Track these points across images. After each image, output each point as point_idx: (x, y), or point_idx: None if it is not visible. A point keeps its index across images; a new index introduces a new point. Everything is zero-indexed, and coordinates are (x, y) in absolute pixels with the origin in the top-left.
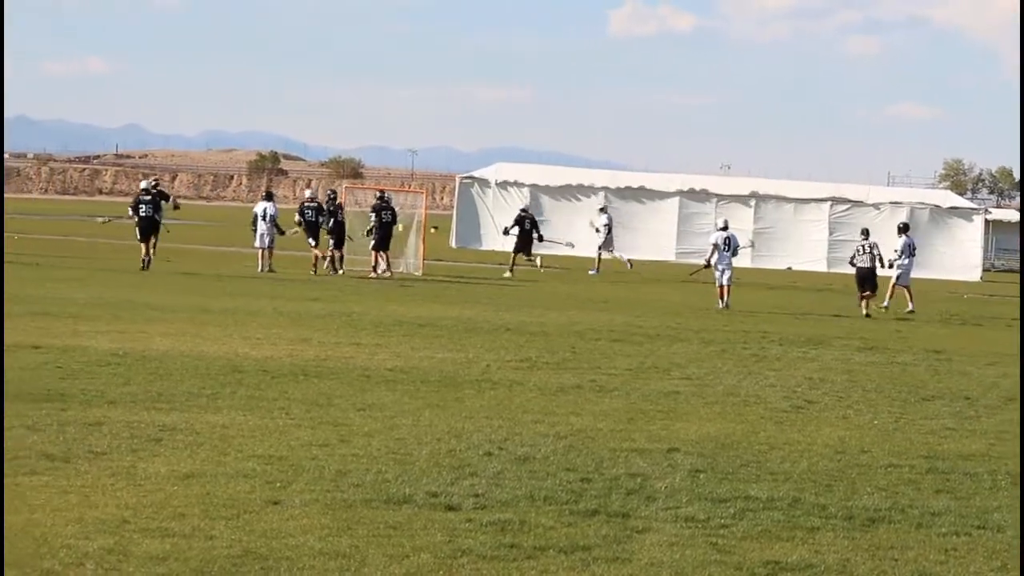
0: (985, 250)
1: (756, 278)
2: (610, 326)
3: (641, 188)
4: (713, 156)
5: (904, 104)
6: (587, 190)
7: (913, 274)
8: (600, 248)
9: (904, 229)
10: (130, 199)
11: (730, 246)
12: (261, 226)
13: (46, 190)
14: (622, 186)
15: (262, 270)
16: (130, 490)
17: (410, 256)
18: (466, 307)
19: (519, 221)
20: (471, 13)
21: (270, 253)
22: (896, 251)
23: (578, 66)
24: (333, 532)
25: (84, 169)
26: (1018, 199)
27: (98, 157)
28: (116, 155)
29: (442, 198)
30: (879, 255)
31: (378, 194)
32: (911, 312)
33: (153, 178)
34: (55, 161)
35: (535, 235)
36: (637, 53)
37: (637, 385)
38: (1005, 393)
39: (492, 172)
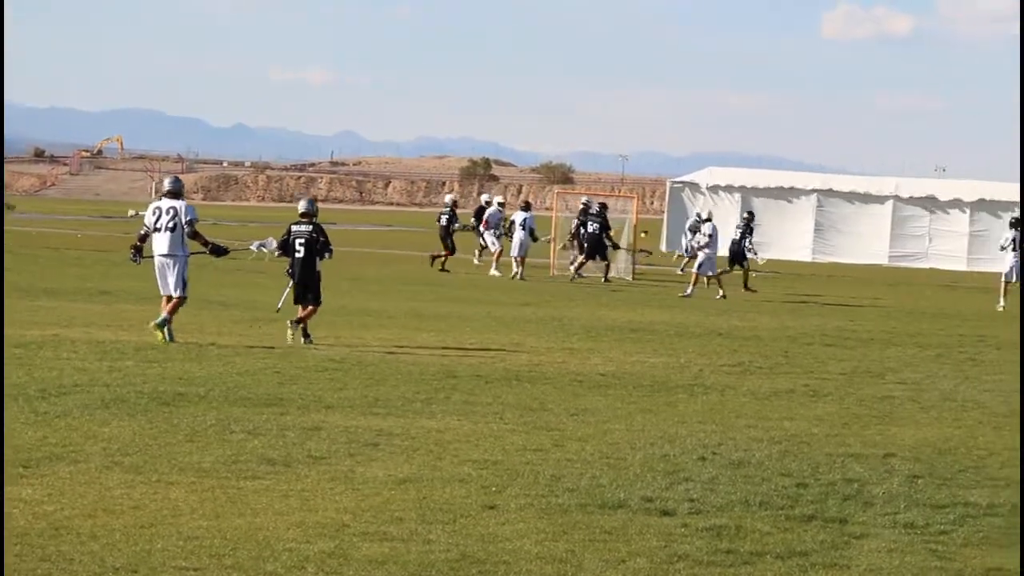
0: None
1: (973, 282)
2: (823, 330)
3: (853, 192)
4: (930, 159)
5: None
6: (799, 193)
7: None
8: None
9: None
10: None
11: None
12: (519, 234)
13: (263, 198)
14: (834, 189)
15: (515, 276)
16: (349, 494)
17: (621, 261)
18: (677, 311)
19: None
20: (681, 16)
21: (522, 261)
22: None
23: (791, 69)
24: (549, 536)
25: (300, 177)
26: None
27: (313, 165)
28: (331, 163)
29: (652, 202)
30: None
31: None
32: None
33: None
34: (272, 169)
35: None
36: (851, 56)
37: (851, 390)
38: None
39: (703, 176)
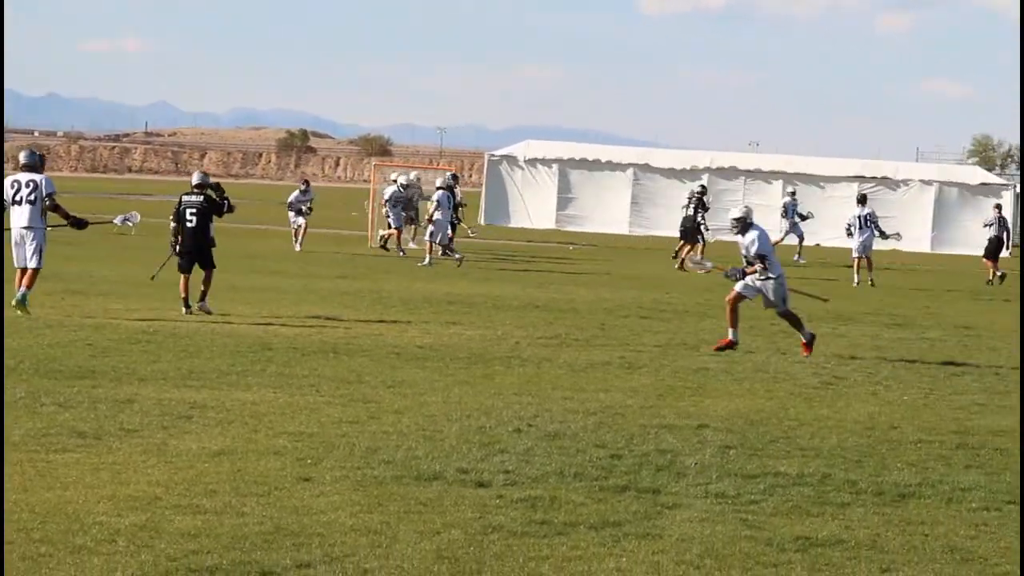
0: (1014, 226)
1: (784, 254)
2: (639, 303)
3: (669, 166)
4: (743, 133)
5: (935, 81)
6: (615, 167)
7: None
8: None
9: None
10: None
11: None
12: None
13: (76, 168)
14: (650, 163)
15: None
16: (161, 467)
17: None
18: (495, 284)
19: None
20: None
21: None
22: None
23: (608, 43)
24: (364, 509)
25: (114, 147)
26: None
27: (127, 135)
28: (146, 133)
29: (471, 175)
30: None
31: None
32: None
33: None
34: (85, 139)
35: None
36: (668, 31)
37: (666, 362)
38: None
39: (521, 149)
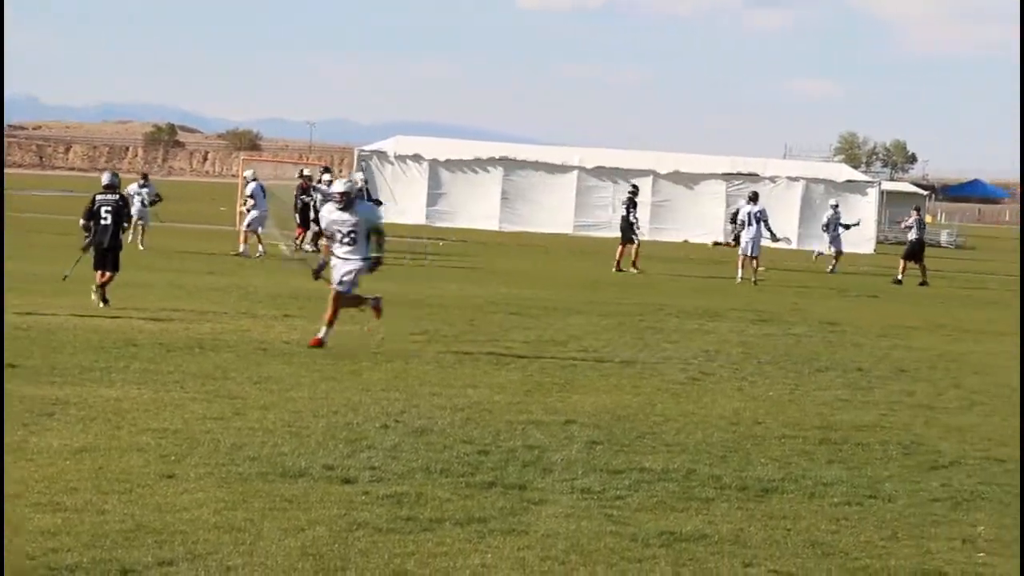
0: (879, 223)
1: (653, 251)
2: (508, 299)
3: (540, 162)
4: (616, 129)
5: (803, 78)
6: (486, 163)
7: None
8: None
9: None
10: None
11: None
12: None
13: None
14: (521, 159)
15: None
16: (21, 465)
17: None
18: (365, 281)
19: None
20: None
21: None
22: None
23: (485, 38)
24: (228, 506)
25: None
26: (911, 172)
27: None
28: (9, 126)
29: (340, 171)
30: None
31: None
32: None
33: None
34: None
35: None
36: (547, 27)
37: (534, 357)
38: (897, 364)
39: (391, 145)
